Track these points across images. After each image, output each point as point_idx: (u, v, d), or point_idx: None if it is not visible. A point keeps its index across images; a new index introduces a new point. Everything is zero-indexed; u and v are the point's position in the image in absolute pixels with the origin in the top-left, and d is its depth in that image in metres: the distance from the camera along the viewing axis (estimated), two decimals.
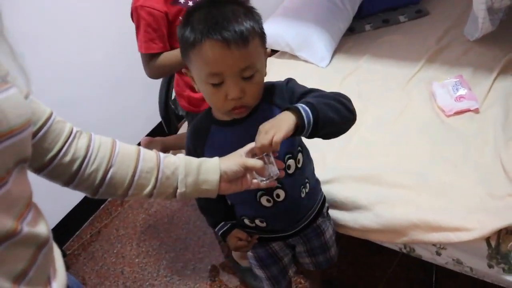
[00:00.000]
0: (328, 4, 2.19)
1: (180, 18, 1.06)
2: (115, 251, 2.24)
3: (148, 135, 2.60)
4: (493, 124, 1.44)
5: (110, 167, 0.80)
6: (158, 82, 1.90)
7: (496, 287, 1.23)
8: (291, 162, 1.02)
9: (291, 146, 1.02)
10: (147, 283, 2.02)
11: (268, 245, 1.24)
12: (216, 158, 0.88)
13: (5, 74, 0.59)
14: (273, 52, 2.24)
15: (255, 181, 0.89)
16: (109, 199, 2.49)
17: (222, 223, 1.18)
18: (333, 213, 1.36)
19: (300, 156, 1.05)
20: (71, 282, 0.79)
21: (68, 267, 2.03)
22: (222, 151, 0.92)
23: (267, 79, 0.98)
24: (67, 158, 0.77)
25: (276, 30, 2.14)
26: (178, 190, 0.85)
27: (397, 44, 2.05)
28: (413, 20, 2.20)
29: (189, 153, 1.08)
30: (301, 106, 0.85)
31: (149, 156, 0.85)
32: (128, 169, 0.82)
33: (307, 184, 1.11)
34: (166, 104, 1.99)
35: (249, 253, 1.29)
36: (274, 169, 0.85)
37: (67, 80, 2.18)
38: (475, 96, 1.55)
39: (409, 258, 1.39)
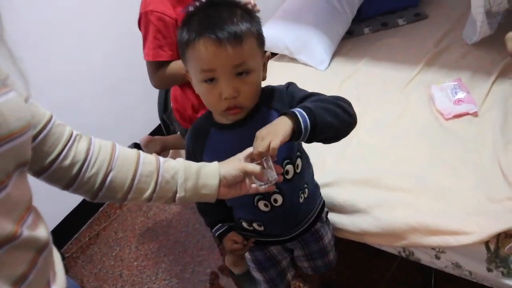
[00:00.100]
0: (327, 7, 2.20)
1: None
2: (113, 254, 2.24)
3: None
4: (491, 128, 1.44)
5: (110, 171, 0.80)
6: None
7: None
8: (289, 167, 1.02)
9: (289, 152, 1.01)
10: (146, 286, 2.01)
11: (266, 248, 1.24)
12: (215, 163, 0.88)
13: (4, 78, 0.59)
14: (272, 55, 2.24)
15: (253, 185, 0.89)
16: (107, 202, 2.49)
17: (220, 224, 1.18)
18: (332, 216, 1.36)
19: (299, 161, 1.05)
20: (70, 285, 0.79)
21: (66, 270, 2.03)
22: (220, 154, 0.92)
23: (266, 82, 0.98)
24: (67, 161, 0.77)
25: (275, 33, 2.14)
26: (178, 195, 0.85)
27: (395, 47, 2.06)
28: (412, 23, 2.21)
29: (188, 153, 1.09)
30: (298, 110, 0.85)
31: (149, 160, 0.85)
32: (128, 173, 0.82)
33: (306, 190, 1.11)
34: (165, 106, 1.98)
35: (247, 256, 1.29)
36: (272, 174, 0.85)
37: (66, 82, 2.18)
38: (474, 100, 1.55)
39: (408, 262, 1.39)
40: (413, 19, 2.22)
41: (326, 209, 1.28)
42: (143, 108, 2.43)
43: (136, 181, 0.82)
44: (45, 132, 0.74)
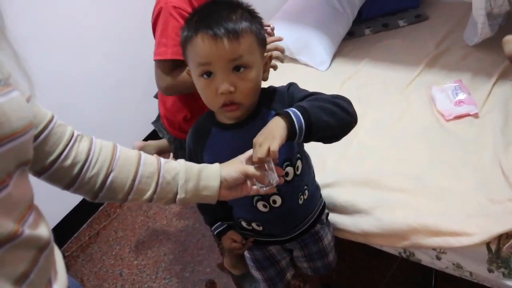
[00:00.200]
0: (328, 8, 2.20)
1: None
2: (113, 253, 2.24)
3: (146, 138, 2.59)
4: (492, 129, 1.44)
5: (111, 171, 0.80)
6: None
7: None
8: (289, 169, 1.02)
9: (289, 154, 1.01)
10: (146, 285, 2.01)
11: (265, 247, 1.24)
12: (216, 165, 0.88)
13: (7, 77, 0.59)
14: None
15: (254, 187, 0.89)
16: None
17: (219, 223, 1.18)
18: (333, 217, 1.36)
19: (299, 163, 1.05)
20: (71, 283, 0.79)
21: (67, 269, 2.03)
22: (221, 154, 0.92)
23: (268, 83, 0.99)
24: (68, 161, 0.77)
25: (276, 34, 2.14)
26: (178, 196, 0.85)
27: (396, 48, 2.06)
28: (413, 25, 2.20)
29: (189, 152, 1.09)
30: (292, 110, 0.85)
31: (150, 161, 0.85)
32: (129, 173, 0.82)
33: (306, 191, 1.11)
34: None
35: (246, 255, 1.29)
36: (274, 176, 0.85)
37: (66, 82, 2.17)
38: (475, 101, 1.56)
39: (408, 262, 1.39)
40: (414, 20, 2.21)
41: (326, 211, 1.28)
42: (143, 109, 2.43)
43: (137, 182, 0.82)
44: (46, 132, 0.74)
